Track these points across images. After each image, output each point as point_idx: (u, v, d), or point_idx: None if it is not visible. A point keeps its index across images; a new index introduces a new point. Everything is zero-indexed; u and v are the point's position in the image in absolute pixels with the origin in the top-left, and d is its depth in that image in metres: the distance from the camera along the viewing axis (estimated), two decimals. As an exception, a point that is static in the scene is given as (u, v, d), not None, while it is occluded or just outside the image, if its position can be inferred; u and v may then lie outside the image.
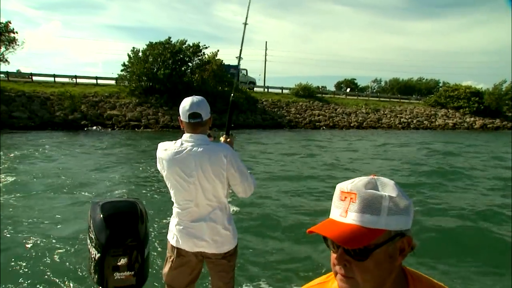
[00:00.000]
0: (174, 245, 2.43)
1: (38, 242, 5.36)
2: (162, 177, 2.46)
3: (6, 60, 26.25)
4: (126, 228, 2.13)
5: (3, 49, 25.67)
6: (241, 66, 41.90)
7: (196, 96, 2.43)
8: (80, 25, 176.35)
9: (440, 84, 62.46)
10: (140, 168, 11.56)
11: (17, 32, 25.88)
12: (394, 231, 0.88)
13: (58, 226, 6.15)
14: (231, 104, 3.10)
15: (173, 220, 2.45)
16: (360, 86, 67.58)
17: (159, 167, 2.42)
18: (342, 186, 0.92)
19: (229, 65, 34.91)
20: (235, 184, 2.39)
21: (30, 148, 15.07)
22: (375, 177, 0.93)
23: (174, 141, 2.36)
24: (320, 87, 45.40)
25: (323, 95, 39.97)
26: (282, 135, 25.30)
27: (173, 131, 24.37)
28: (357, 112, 36.59)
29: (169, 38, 30.09)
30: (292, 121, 32.60)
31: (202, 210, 2.35)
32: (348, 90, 53.40)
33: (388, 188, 0.90)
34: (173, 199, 2.43)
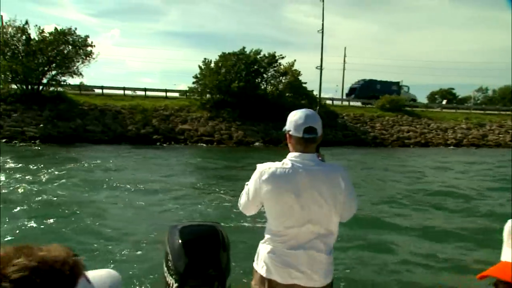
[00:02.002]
0: (264, 275, 2.23)
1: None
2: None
3: (81, 74, 27.95)
4: (207, 256, 2.05)
5: (79, 62, 27.34)
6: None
7: (308, 109, 2.33)
8: (138, 32, 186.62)
9: None
10: (218, 189, 11.07)
11: (94, 46, 27.52)
12: None
13: (129, 251, 5.99)
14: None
15: (265, 247, 2.27)
16: (460, 97, 62.35)
17: (253, 189, 2.23)
18: None
19: (387, 81, 34.00)
20: (343, 209, 2.25)
21: (107, 162, 15.44)
22: None
23: (278, 162, 2.21)
24: (410, 99, 43.08)
25: (414, 109, 37.59)
26: (367, 153, 23.85)
27: (247, 148, 24.03)
28: (455, 128, 33.70)
29: (243, 48, 30.14)
30: (377, 138, 30.81)
31: (304, 237, 2.18)
32: (444, 102, 49.45)
33: None
34: (269, 224, 2.27)
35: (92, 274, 0.86)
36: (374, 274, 5.57)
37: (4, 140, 21.35)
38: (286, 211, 2.16)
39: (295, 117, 2.22)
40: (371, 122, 32.90)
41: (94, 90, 32.38)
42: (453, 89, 65.22)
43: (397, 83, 43.46)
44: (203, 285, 1.98)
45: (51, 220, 7.50)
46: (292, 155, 2.19)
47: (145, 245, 6.19)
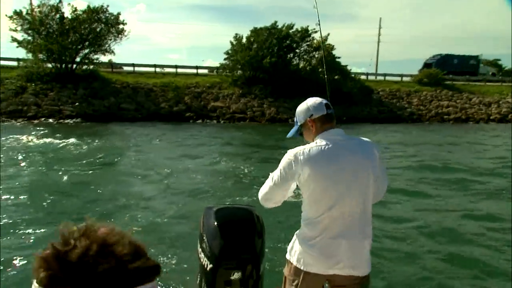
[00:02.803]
0: (301, 267, 2.16)
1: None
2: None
3: (112, 52, 28.49)
4: (242, 239, 2.09)
5: (111, 40, 27.84)
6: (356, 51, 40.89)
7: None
8: (164, 6, 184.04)
9: None
10: (253, 168, 11.01)
11: (126, 23, 27.86)
12: None
13: (163, 231, 6.10)
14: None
15: (301, 237, 2.19)
16: (506, 68, 58.36)
17: (285, 174, 2.14)
18: None
19: (465, 56, 32.19)
20: (377, 185, 2.23)
21: (142, 140, 15.94)
22: None
23: (308, 144, 2.19)
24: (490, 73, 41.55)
25: (454, 82, 36.35)
26: (405, 130, 23.51)
27: (281, 125, 24.12)
28: (500, 102, 32.56)
29: (275, 22, 29.70)
30: (414, 114, 30.20)
31: (343, 222, 2.10)
32: (489, 72, 46.89)
33: None
34: (305, 212, 2.19)
35: None
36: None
37: (43, 119, 22.28)
38: (326, 189, 2.09)
39: (310, 102, 2.29)
40: (408, 98, 32.22)
41: (122, 68, 32.94)
42: (498, 60, 61.44)
43: (476, 57, 41.88)
44: (237, 268, 2.04)
45: (83, 194, 7.95)
46: (322, 135, 2.18)
47: (179, 225, 6.23)
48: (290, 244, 2.28)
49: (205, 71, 33.47)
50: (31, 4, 27.28)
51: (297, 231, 2.24)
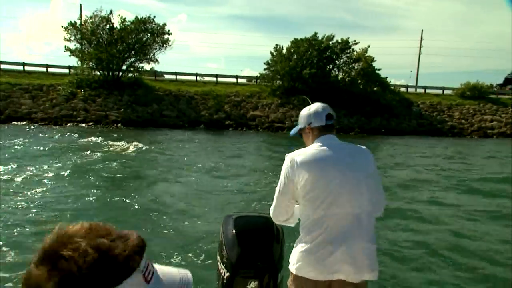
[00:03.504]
0: (300, 274, 2.09)
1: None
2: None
3: (157, 60, 29.92)
4: (260, 247, 2.08)
5: (156, 49, 29.30)
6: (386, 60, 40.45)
7: (317, 102, 2.40)
8: (204, 16, 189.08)
9: None
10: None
11: (171, 33, 29.29)
12: None
13: (186, 237, 6.17)
14: None
15: (299, 244, 2.13)
16: None
17: (286, 180, 2.16)
18: None
19: None
20: (375, 195, 2.18)
21: (182, 146, 16.80)
22: None
23: (305, 148, 2.23)
24: (495, 85, 40.69)
25: (499, 96, 35.70)
26: (446, 145, 23.37)
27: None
28: (549, 117, 31.67)
29: (315, 33, 30.35)
30: (455, 128, 29.81)
31: (342, 224, 2.06)
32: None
33: None
34: (304, 218, 2.14)
35: (165, 271, 0.85)
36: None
37: (91, 123, 23.72)
38: (323, 193, 2.07)
39: (312, 110, 2.31)
40: (449, 111, 31.86)
41: (164, 76, 34.28)
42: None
43: None
44: (254, 277, 2.04)
45: (112, 194, 8.47)
46: (318, 140, 2.23)
47: (202, 233, 6.24)
48: (292, 254, 2.20)
49: (244, 80, 34.41)
50: (80, 15, 29.18)
51: (297, 239, 2.18)
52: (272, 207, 2.25)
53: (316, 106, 2.33)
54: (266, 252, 2.09)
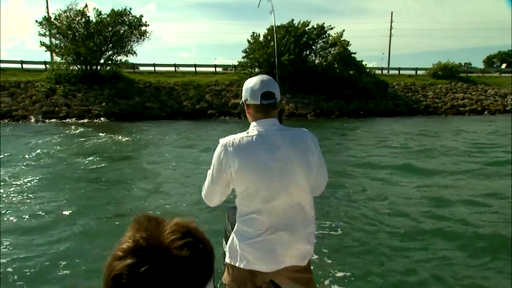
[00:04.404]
0: (245, 267, 2.03)
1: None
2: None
3: (135, 53, 30.08)
4: None
5: (134, 42, 29.45)
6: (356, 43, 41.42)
7: (263, 74, 2.16)
8: (173, 5, 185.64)
9: None
10: None
11: (148, 25, 29.45)
12: None
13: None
14: None
15: (238, 235, 2.06)
16: None
17: (218, 167, 2.02)
18: None
19: None
20: (316, 176, 2.08)
21: (170, 137, 17.30)
22: None
23: (240, 133, 2.02)
24: (464, 64, 42.45)
25: (468, 75, 37.34)
26: (424, 123, 24.59)
27: (298, 119, 25.42)
28: (516, 93, 33.47)
29: (292, 20, 31.09)
30: (429, 107, 31.23)
31: (281, 212, 1.99)
32: (503, 66, 48.11)
33: None
34: (241, 207, 2.06)
35: None
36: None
37: (74, 119, 23.89)
38: (259, 183, 1.96)
39: (250, 84, 2.05)
40: (423, 91, 33.25)
41: (139, 68, 34.19)
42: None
43: None
44: None
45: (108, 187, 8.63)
46: (254, 124, 2.04)
47: (203, 223, 6.21)
48: (228, 245, 2.13)
49: (220, 69, 34.89)
50: (47, 7, 29.03)
51: (234, 231, 2.11)
52: (203, 194, 2.18)
53: (255, 80, 2.07)
54: None
